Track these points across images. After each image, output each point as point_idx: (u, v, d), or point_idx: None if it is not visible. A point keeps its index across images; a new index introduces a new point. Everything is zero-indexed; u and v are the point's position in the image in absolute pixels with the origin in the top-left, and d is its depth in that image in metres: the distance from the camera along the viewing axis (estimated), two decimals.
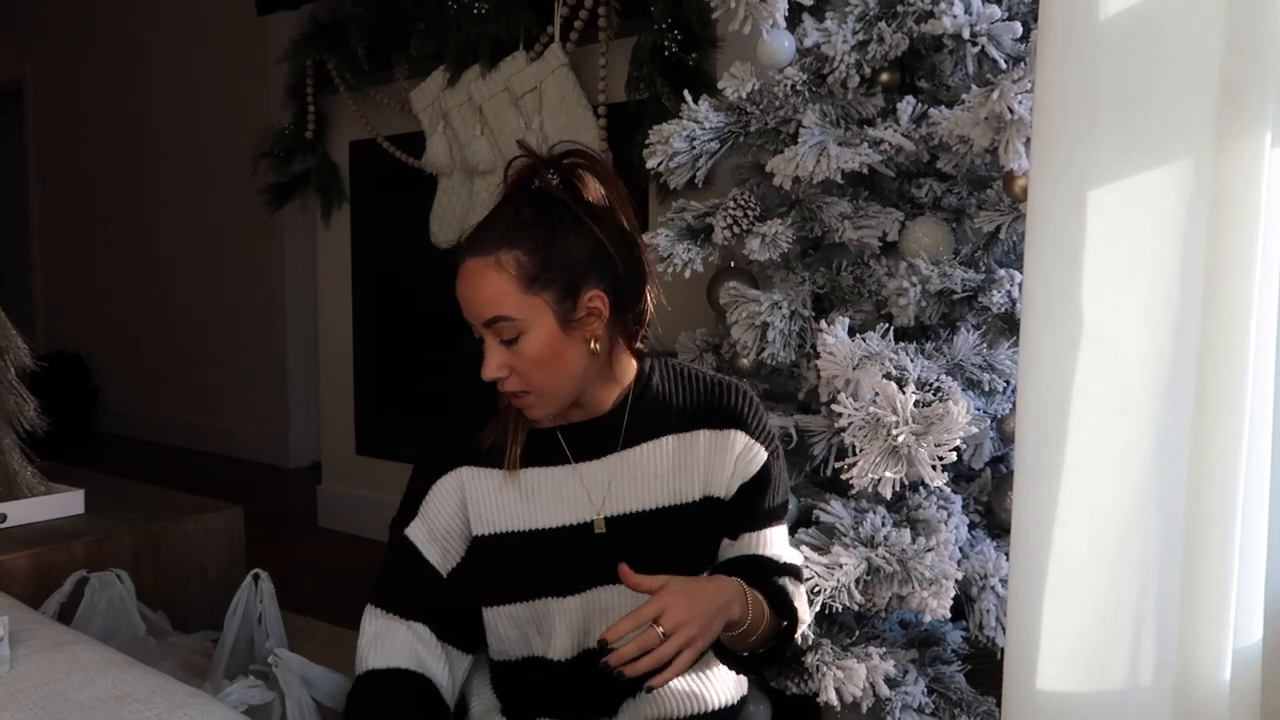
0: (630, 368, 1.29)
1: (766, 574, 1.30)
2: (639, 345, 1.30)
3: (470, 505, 1.27)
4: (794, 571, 1.34)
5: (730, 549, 1.32)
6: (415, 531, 1.27)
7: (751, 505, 1.31)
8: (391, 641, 1.25)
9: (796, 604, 1.30)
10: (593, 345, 1.19)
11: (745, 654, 1.27)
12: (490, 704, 1.35)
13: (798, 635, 1.34)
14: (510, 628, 1.29)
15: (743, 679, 1.38)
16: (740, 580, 1.21)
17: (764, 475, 1.31)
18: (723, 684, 1.34)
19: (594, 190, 1.20)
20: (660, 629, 1.08)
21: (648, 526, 1.26)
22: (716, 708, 1.33)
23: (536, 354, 1.16)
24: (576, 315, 1.17)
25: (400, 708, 1.21)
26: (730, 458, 1.28)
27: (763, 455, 1.30)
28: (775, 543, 1.33)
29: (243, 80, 4.62)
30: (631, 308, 1.24)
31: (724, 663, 1.30)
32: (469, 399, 1.31)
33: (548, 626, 1.27)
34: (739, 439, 1.29)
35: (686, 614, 1.09)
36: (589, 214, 1.18)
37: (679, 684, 1.30)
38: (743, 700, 1.39)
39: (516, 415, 1.26)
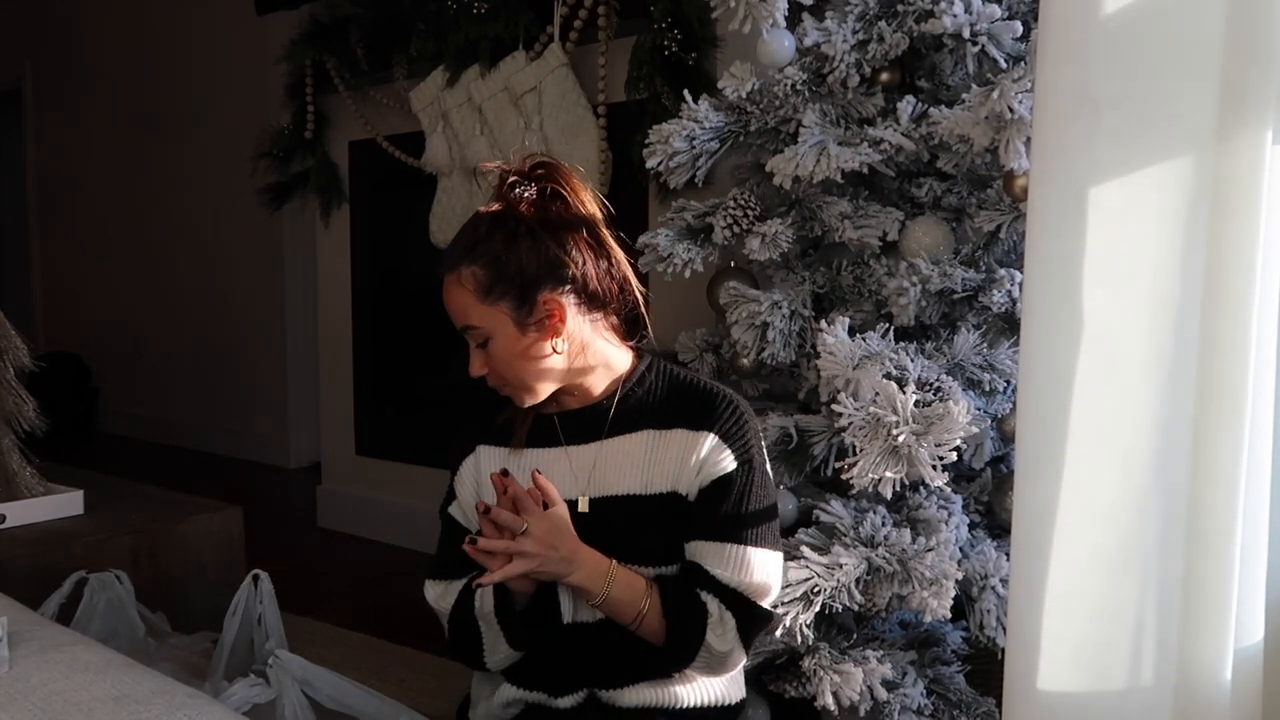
0: (623, 361, 1.36)
1: (693, 583, 1.28)
2: (639, 344, 1.39)
3: (481, 480, 1.38)
4: (734, 598, 1.27)
5: (685, 553, 1.32)
6: (454, 509, 1.41)
7: (709, 513, 1.29)
8: (456, 589, 1.37)
9: (708, 624, 1.26)
10: (553, 344, 1.29)
11: (650, 648, 1.29)
12: (496, 678, 1.39)
13: (711, 663, 1.29)
14: None
15: (736, 678, 1.38)
16: (613, 564, 1.27)
17: (726, 483, 1.29)
18: (715, 680, 1.35)
19: (560, 200, 1.30)
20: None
21: (621, 510, 1.31)
22: (710, 703, 1.34)
23: (502, 356, 1.29)
24: (534, 319, 1.28)
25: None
26: (697, 457, 1.30)
27: (730, 464, 1.29)
28: (728, 561, 1.28)
29: (242, 80, 4.62)
30: (607, 304, 1.32)
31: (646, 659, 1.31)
32: (475, 395, 1.41)
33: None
34: (709, 440, 1.30)
35: (541, 538, 1.23)
36: (543, 225, 1.28)
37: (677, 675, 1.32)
38: (741, 703, 1.39)
39: (523, 410, 1.37)
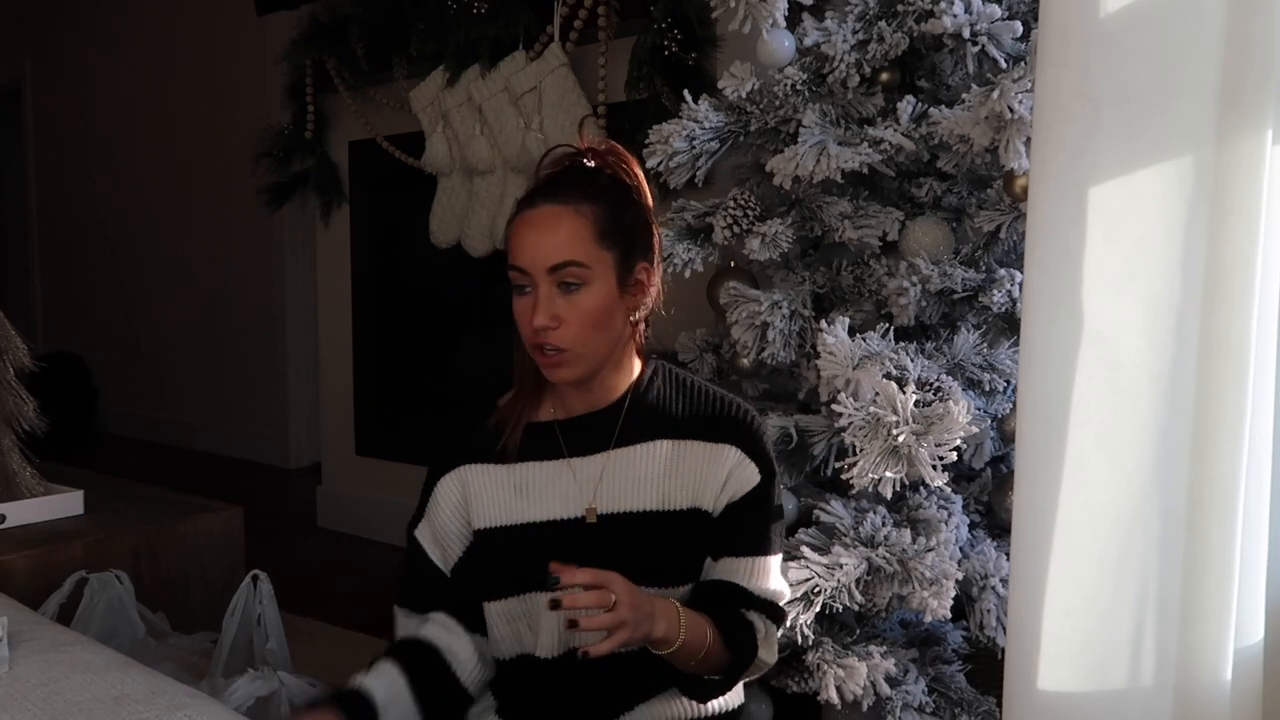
0: (635, 366, 1.31)
1: (736, 604, 1.27)
2: (643, 345, 1.33)
3: (470, 501, 1.30)
4: (770, 609, 1.29)
5: (710, 570, 1.28)
6: (422, 532, 1.33)
7: (737, 527, 1.27)
8: (405, 629, 1.33)
9: (759, 641, 1.26)
10: (634, 316, 1.25)
11: (690, 676, 1.24)
12: (487, 704, 1.35)
13: (753, 674, 1.29)
14: (504, 624, 1.29)
15: (738, 688, 1.37)
16: (677, 604, 1.19)
17: (755, 497, 1.27)
18: None
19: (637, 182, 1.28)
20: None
21: (637, 527, 1.26)
22: (710, 714, 1.32)
23: (592, 308, 1.19)
24: (630, 280, 1.23)
25: (391, 655, 1.28)
26: (721, 472, 1.26)
27: (756, 476, 1.27)
28: (758, 574, 1.27)
29: (243, 80, 4.62)
30: (653, 300, 1.29)
31: (677, 686, 1.27)
32: (475, 395, 1.35)
33: (535, 623, 1.27)
34: (732, 454, 1.26)
35: (629, 599, 1.11)
36: (640, 197, 1.27)
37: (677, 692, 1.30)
38: (740, 707, 1.38)
39: (521, 409, 1.29)
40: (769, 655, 1.28)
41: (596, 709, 1.28)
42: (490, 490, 1.29)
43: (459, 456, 1.31)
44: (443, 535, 1.31)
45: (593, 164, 1.26)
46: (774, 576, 1.30)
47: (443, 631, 1.30)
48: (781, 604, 1.32)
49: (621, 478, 1.26)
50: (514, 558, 1.28)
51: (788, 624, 1.53)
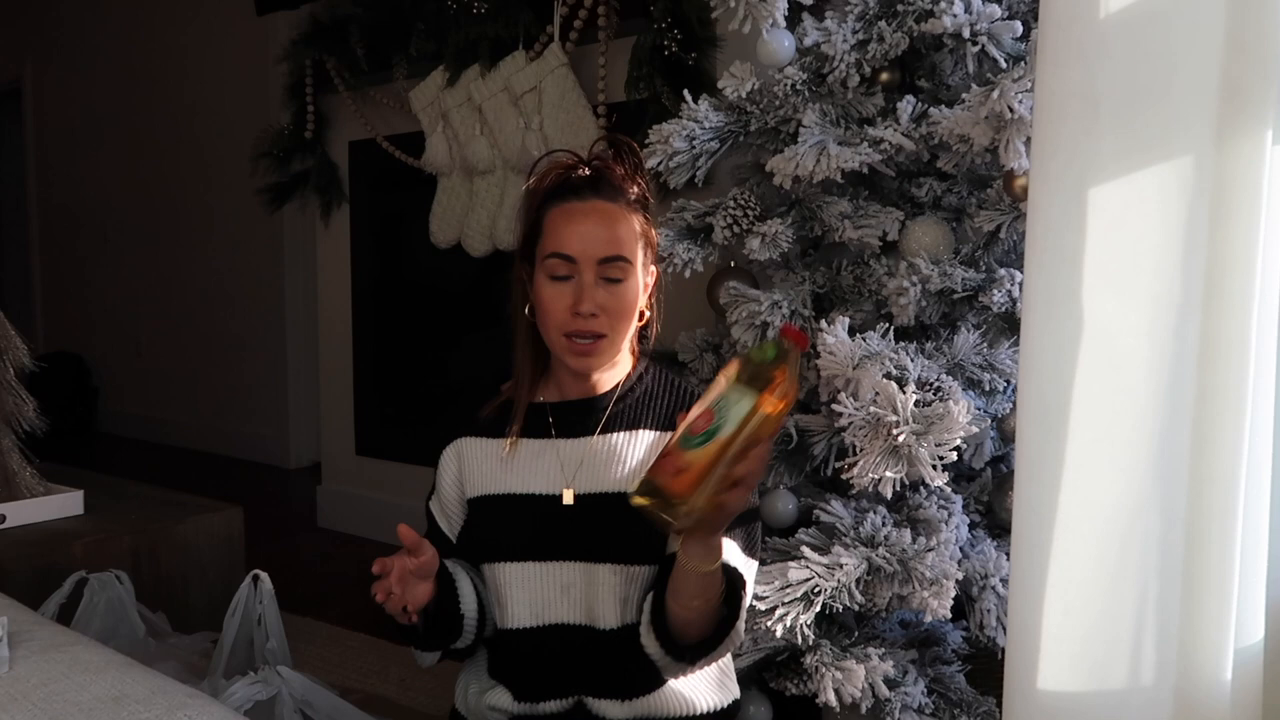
0: (629, 362, 1.38)
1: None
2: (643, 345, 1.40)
3: (464, 471, 1.39)
4: (738, 576, 1.28)
5: (675, 542, 1.29)
6: (434, 504, 1.42)
7: None
8: None
9: (743, 594, 1.27)
10: (645, 313, 1.34)
11: (686, 638, 1.25)
12: (488, 683, 1.38)
13: (735, 637, 1.28)
14: (488, 590, 1.36)
15: (727, 684, 1.38)
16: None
17: None
18: (707, 688, 1.35)
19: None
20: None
21: (610, 507, 1.30)
22: (702, 712, 1.34)
23: (630, 301, 1.30)
24: (647, 279, 1.34)
25: None
26: None
27: None
28: (725, 549, 1.27)
29: (243, 80, 4.62)
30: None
31: (669, 656, 1.27)
32: (474, 389, 1.43)
33: (508, 593, 1.32)
34: None
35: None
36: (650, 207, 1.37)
37: (668, 685, 1.32)
38: (735, 704, 1.39)
39: (523, 392, 1.37)
40: (742, 625, 1.28)
41: (561, 681, 1.32)
42: (481, 461, 1.37)
43: (457, 431, 1.40)
44: (447, 505, 1.40)
45: (624, 174, 1.34)
46: (736, 554, 1.29)
47: (454, 564, 1.35)
48: (745, 580, 1.30)
49: (603, 461, 1.32)
50: (495, 524, 1.35)
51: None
